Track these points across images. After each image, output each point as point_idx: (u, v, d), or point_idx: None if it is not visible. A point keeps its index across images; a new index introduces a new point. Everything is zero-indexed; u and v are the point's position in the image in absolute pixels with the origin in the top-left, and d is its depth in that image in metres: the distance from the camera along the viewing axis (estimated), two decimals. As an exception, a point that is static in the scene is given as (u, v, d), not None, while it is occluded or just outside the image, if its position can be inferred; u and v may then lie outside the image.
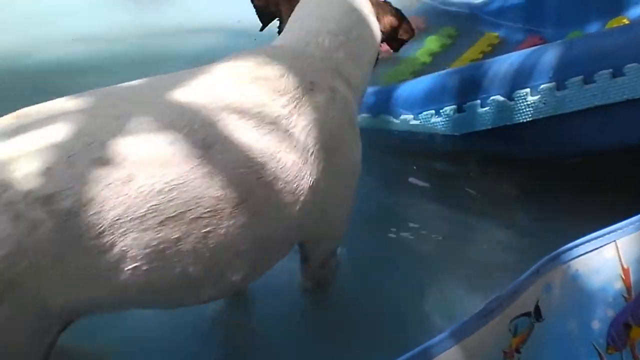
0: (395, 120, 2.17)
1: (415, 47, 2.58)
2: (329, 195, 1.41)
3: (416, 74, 2.41)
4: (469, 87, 2.06)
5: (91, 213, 1.14)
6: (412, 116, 2.15)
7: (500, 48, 2.56)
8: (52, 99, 1.29)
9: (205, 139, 1.24)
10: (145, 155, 1.19)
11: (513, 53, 2.07)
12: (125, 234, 1.17)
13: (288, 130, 1.34)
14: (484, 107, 2.01)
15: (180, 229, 1.21)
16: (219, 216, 1.24)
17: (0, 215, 1.11)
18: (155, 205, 1.18)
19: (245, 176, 1.27)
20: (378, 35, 1.62)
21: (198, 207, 1.21)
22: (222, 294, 1.45)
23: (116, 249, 1.17)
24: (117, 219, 1.16)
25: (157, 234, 1.19)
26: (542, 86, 1.92)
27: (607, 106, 1.86)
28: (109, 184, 1.16)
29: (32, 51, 2.77)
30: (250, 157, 1.27)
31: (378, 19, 1.63)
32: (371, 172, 2.06)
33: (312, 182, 1.36)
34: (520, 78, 1.96)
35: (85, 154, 1.16)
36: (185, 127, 1.24)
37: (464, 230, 2.00)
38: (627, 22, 2.45)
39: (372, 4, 1.63)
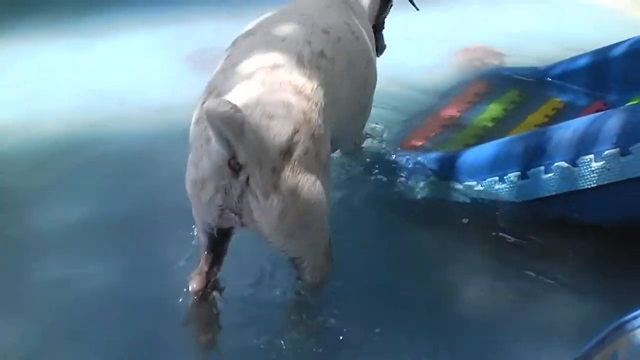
0: (459, 186, 2.20)
1: (479, 111, 2.61)
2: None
3: (479, 138, 2.44)
4: (532, 154, 2.08)
5: None
6: (475, 182, 2.17)
7: (564, 113, 2.57)
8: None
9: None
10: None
11: (576, 119, 2.09)
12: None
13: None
14: (548, 174, 2.02)
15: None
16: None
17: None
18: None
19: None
20: None
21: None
22: None
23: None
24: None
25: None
26: (606, 152, 1.93)
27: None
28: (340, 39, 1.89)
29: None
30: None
31: None
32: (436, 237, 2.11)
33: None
34: (584, 144, 1.98)
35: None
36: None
37: (529, 293, 2.00)
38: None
39: None
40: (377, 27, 2.36)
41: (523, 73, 2.85)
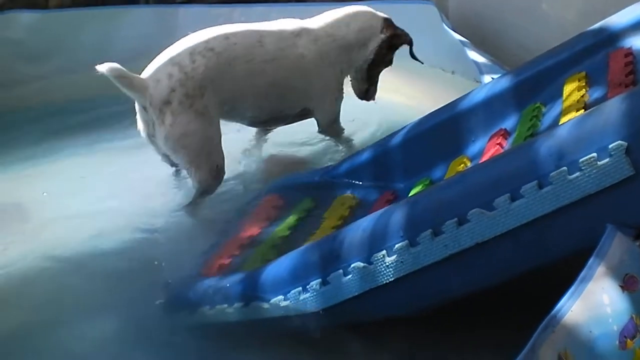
0: (266, 306, 2.16)
1: (275, 226, 2.62)
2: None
3: (278, 250, 2.44)
4: (329, 259, 2.09)
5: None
6: (282, 297, 2.15)
7: (357, 209, 2.62)
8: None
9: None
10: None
11: (364, 218, 2.13)
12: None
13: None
14: (347, 276, 2.04)
15: None
16: None
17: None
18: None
19: None
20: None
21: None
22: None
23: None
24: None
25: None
26: (396, 246, 1.97)
27: (460, 253, 1.92)
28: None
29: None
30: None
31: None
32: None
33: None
34: (375, 241, 2.02)
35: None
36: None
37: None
38: (467, 161, 2.57)
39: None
40: (370, 76, 3.25)
41: (310, 178, 2.90)
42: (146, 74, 2.78)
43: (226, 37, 2.88)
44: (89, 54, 3.87)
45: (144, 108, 2.73)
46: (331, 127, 3.29)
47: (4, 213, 3.04)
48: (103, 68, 2.57)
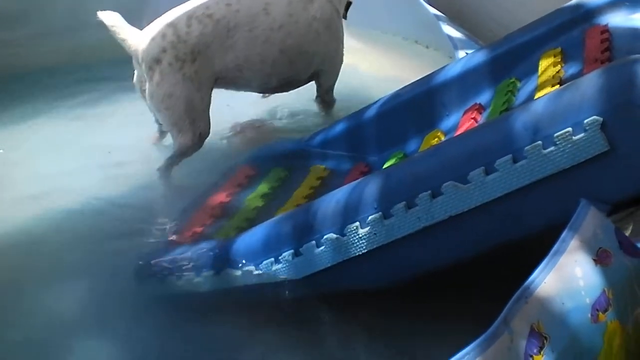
0: (238, 273, 2.15)
1: (247, 194, 2.61)
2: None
3: (251, 221, 2.42)
4: (302, 230, 2.08)
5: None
6: (253, 267, 2.14)
7: (329, 180, 2.62)
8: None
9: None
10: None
11: (338, 189, 2.12)
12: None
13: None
14: (320, 247, 2.03)
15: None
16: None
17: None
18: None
19: None
20: None
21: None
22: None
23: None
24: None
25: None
26: (369, 218, 1.96)
27: (434, 226, 1.92)
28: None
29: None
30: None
31: None
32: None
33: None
34: (348, 213, 2.01)
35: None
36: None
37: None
38: (441, 135, 2.57)
39: None
40: None
41: (284, 148, 2.88)
42: (144, 30, 2.80)
43: (228, 3, 2.84)
44: (64, 19, 3.83)
45: (139, 64, 2.76)
46: (331, 92, 3.26)
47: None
48: (103, 15, 2.67)
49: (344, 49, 3.19)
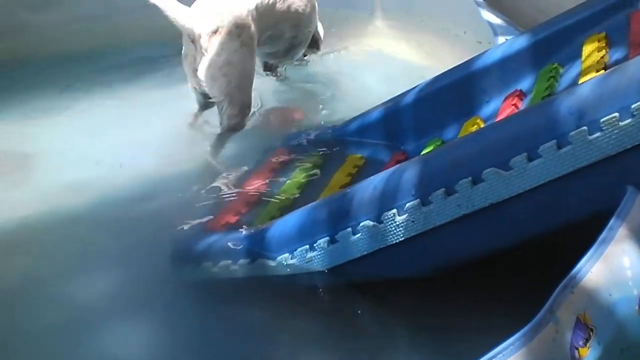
0: (272, 263, 2.12)
1: (282, 182, 2.58)
2: None
3: (287, 209, 2.39)
4: (338, 217, 2.04)
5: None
6: (288, 254, 2.10)
7: (366, 169, 2.58)
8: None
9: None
10: None
11: (375, 176, 2.08)
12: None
13: None
14: (356, 234, 1.99)
15: None
16: None
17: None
18: None
19: None
20: None
21: None
22: None
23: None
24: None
25: None
26: (407, 205, 1.92)
27: (473, 213, 1.87)
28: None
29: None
30: None
31: None
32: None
33: None
34: (386, 200, 1.97)
35: None
36: None
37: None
38: (480, 122, 2.52)
39: None
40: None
41: (320, 136, 2.85)
42: (194, 8, 2.88)
43: None
44: (92, 4, 3.83)
45: (191, 40, 2.80)
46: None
47: (12, 161, 3.00)
48: None
49: None
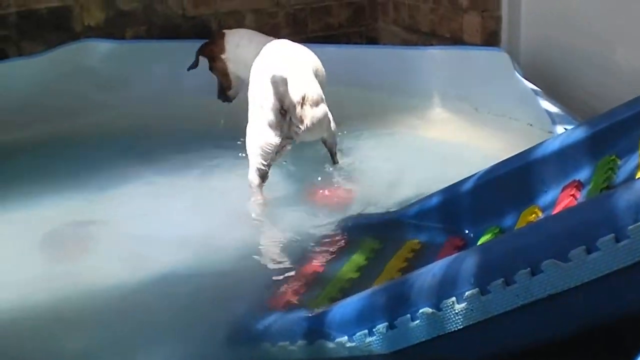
0: (331, 345, 2.16)
1: (341, 264, 2.62)
2: None
3: (346, 291, 2.43)
4: (397, 303, 2.07)
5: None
6: (346, 338, 2.14)
7: (422, 253, 2.61)
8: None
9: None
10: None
11: (435, 263, 2.11)
12: None
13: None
14: (415, 321, 2.01)
15: None
16: None
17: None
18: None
19: None
20: None
21: None
22: None
23: None
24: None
25: None
26: (466, 293, 1.94)
27: (532, 303, 1.89)
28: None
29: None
30: None
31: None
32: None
33: None
34: (445, 288, 1.99)
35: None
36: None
37: None
38: (538, 211, 2.55)
39: None
40: None
41: (379, 219, 2.90)
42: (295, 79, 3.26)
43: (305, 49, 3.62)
44: (160, 84, 3.99)
45: (285, 111, 3.17)
46: None
47: (80, 232, 3.13)
48: (274, 79, 3.09)
49: None
